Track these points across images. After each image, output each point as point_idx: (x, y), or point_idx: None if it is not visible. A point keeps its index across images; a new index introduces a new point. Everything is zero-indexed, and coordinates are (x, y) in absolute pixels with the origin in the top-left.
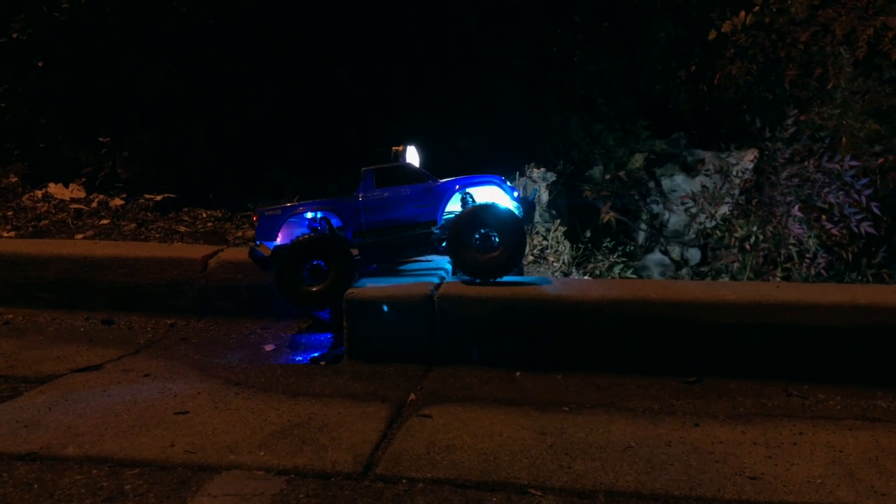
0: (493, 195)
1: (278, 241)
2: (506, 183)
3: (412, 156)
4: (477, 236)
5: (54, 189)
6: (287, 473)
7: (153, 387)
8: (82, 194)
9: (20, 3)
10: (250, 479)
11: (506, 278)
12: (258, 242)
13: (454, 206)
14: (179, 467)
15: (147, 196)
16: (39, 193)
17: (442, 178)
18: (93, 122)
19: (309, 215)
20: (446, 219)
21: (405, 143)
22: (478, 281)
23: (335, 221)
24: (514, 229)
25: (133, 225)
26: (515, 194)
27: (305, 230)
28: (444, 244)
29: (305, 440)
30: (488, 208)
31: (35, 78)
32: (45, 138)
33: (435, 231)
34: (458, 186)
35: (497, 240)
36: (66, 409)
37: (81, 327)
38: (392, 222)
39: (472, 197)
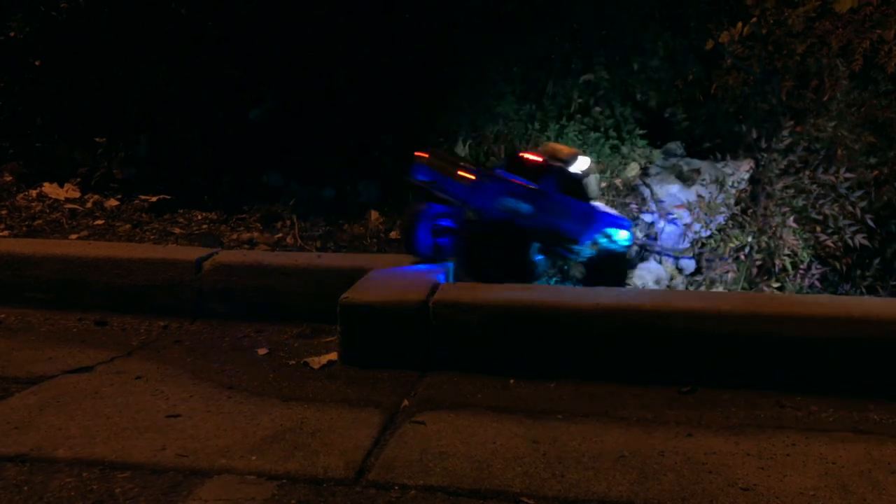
0: None
1: None
2: None
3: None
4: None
5: (49, 189)
6: (278, 478)
7: (145, 389)
8: (77, 194)
9: (18, 2)
10: (242, 483)
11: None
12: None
13: None
14: (171, 471)
15: (142, 197)
16: (34, 193)
17: None
18: (89, 122)
19: None
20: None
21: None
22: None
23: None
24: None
25: (128, 226)
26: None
27: None
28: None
29: (297, 445)
30: None
31: (32, 77)
32: (41, 137)
33: None
34: None
35: None
36: (57, 410)
37: (74, 328)
38: None
39: None
